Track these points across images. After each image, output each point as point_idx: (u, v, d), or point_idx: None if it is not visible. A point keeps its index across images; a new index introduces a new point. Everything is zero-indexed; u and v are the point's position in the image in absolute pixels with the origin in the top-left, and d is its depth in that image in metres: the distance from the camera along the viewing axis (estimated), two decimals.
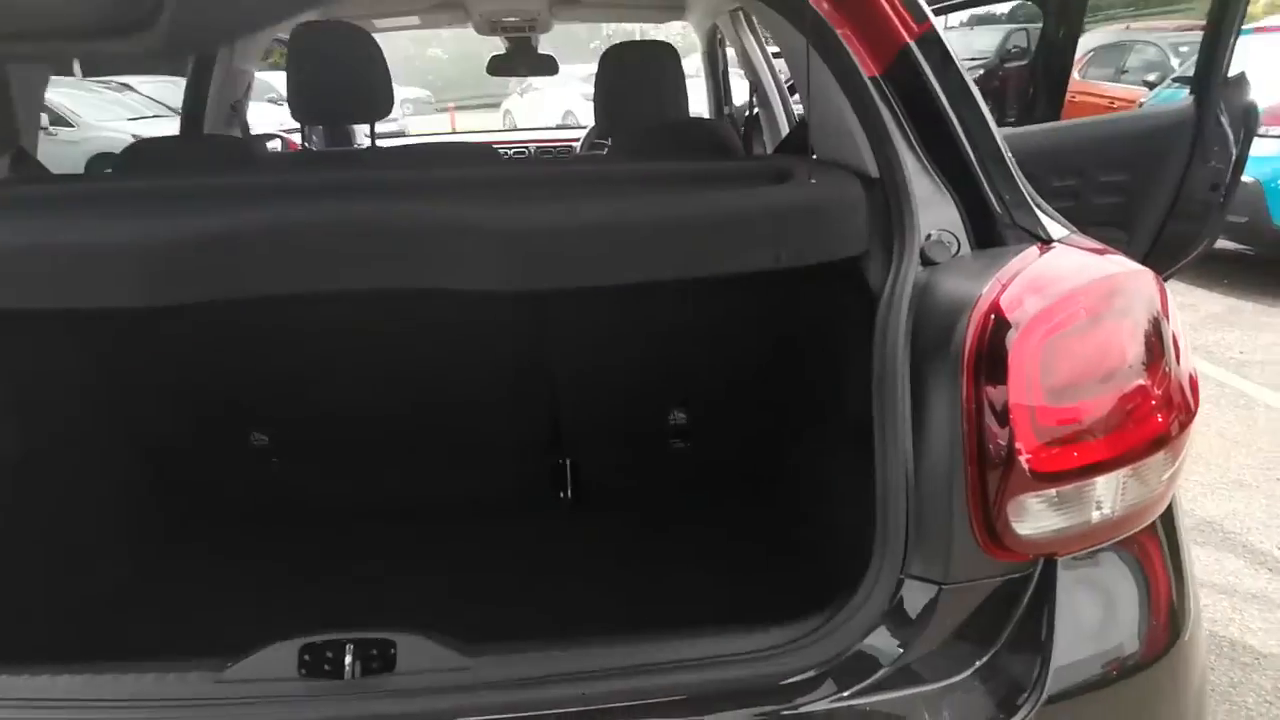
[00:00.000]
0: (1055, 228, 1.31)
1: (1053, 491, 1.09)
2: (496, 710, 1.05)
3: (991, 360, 1.08)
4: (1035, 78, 3.28)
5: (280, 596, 1.86)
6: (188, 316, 1.75)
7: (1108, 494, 1.11)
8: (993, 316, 1.09)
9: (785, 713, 1.04)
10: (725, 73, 4.55)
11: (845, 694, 1.05)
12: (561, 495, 2.24)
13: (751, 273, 1.65)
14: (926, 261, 1.26)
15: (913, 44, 1.36)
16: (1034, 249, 1.22)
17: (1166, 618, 1.21)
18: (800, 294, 1.81)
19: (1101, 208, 2.43)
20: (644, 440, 2.12)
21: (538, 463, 2.16)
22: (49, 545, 1.75)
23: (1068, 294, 1.11)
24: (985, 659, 1.09)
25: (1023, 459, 1.07)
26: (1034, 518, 1.09)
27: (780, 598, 1.69)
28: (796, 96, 3.31)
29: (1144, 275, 1.18)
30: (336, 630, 1.09)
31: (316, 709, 1.05)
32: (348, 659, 1.06)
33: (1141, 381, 1.12)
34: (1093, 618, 1.16)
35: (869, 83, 1.37)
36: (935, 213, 1.31)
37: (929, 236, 1.28)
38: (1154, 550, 1.23)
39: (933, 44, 1.36)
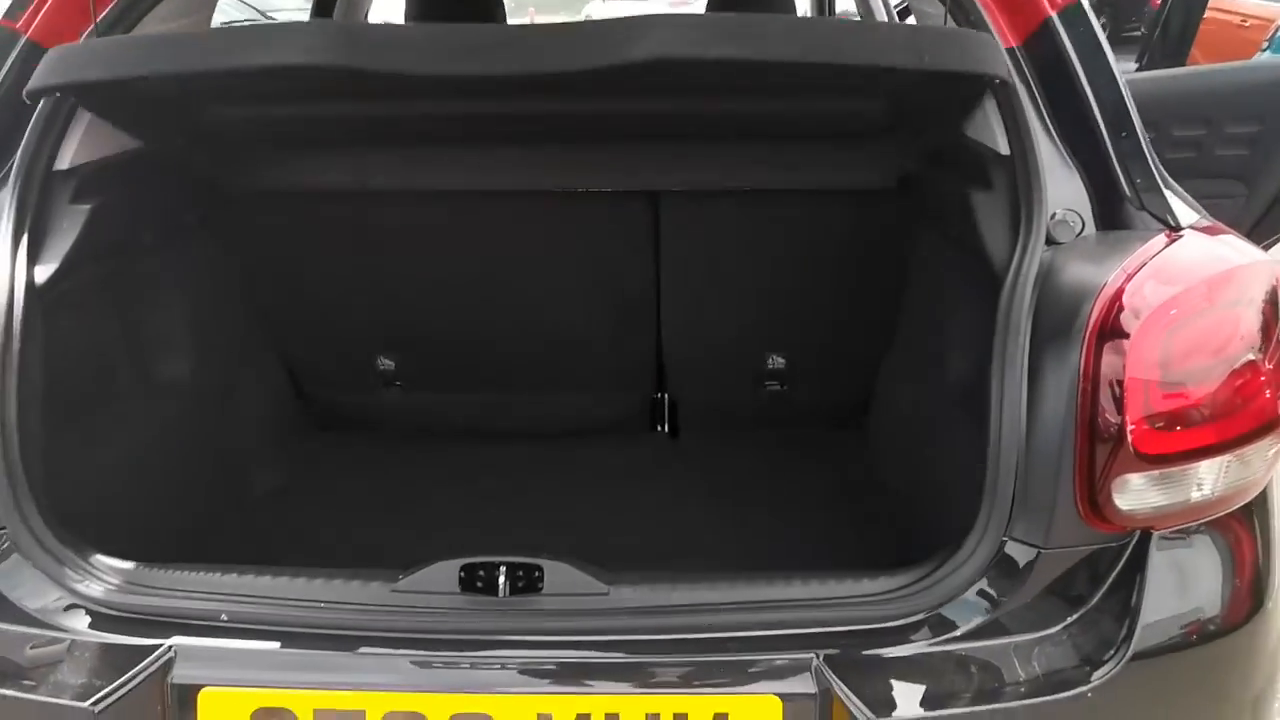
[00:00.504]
0: (1185, 211, 1.32)
1: (1156, 472, 1.16)
2: (629, 632, 1.20)
3: (1112, 346, 1.14)
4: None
5: (409, 511, 2.04)
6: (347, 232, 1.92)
7: (1210, 476, 1.18)
8: (1117, 305, 1.14)
9: (891, 654, 1.17)
10: None
11: (946, 638, 1.17)
12: (659, 429, 2.37)
13: (877, 190, 1.75)
14: (1050, 241, 1.29)
15: (1055, 16, 1.37)
16: (1161, 237, 1.25)
17: (1250, 587, 1.28)
18: (920, 239, 1.86)
19: (1225, 160, 2.37)
20: (740, 381, 2.21)
21: (638, 396, 2.28)
22: (215, 454, 1.95)
23: (1192, 286, 1.15)
24: (1076, 616, 1.19)
25: (1131, 440, 1.14)
26: (1136, 494, 1.17)
27: (870, 544, 1.82)
28: None
29: (1266, 266, 1.21)
30: (491, 552, 1.24)
31: (473, 621, 1.22)
32: (501, 579, 1.22)
33: (1254, 370, 1.17)
34: (1180, 585, 1.24)
35: (1006, 54, 1.38)
36: (1062, 191, 1.34)
37: (1054, 215, 1.31)
38: (1245, 523, 1.29)
39: (1076, 16, 1.36)
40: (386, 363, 2.18)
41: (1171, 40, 2.93)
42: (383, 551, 1.83)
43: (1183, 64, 2.86)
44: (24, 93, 1.35)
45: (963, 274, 1.61)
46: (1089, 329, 1.15)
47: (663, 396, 2.33)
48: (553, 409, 2.29)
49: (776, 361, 2.15)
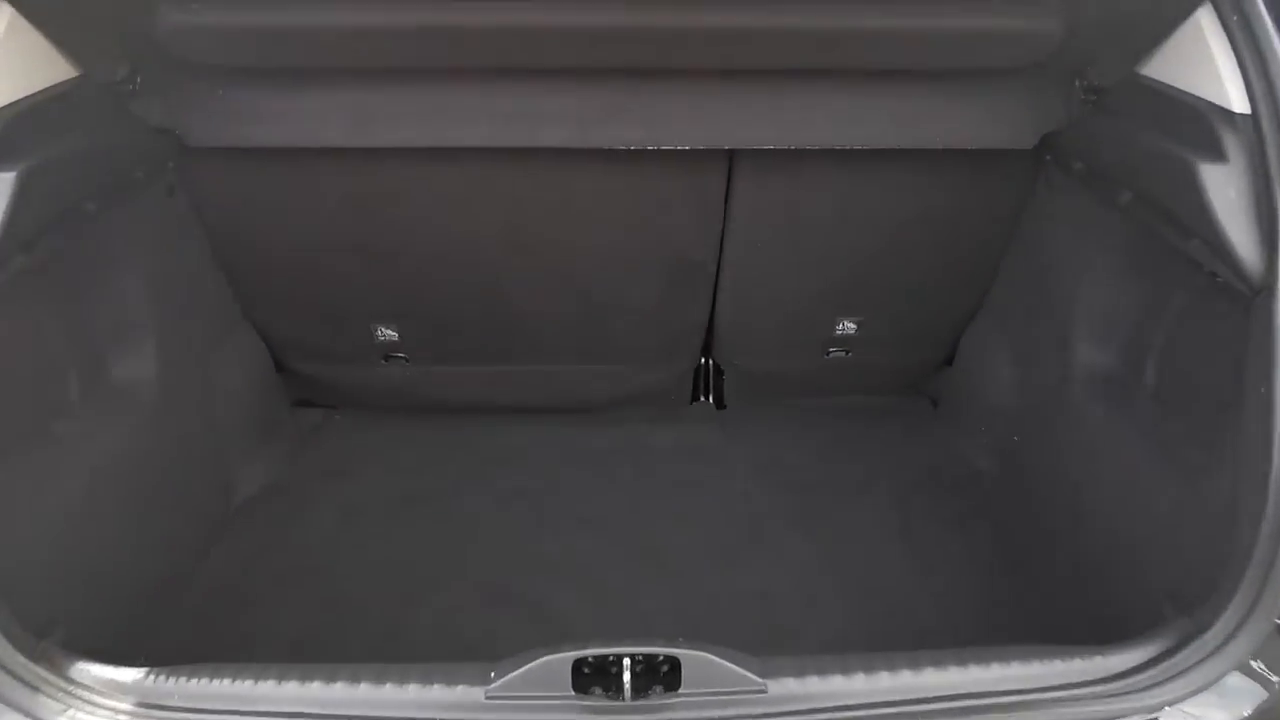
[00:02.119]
0: None
1: None
2: None
3: None
4: None
5: (428, 512, 1.75)
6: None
7: None
8: None
9: None
10: None
11: None
12: (701, 399, 2.10)
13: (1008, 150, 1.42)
14: None
15: None
16: None
17: None
18: (1057, 205, 1.57)
19: None
20: (802, 347, 1.94)
21: (681, 365, 1.99)
22: (192, 464, 1.62)
23: None
24: None
25: None
26: None
27: (984, 556, 1.59)
28: None
29: None
30: (609, 640, 0.96)
31: None
32: (626, 676, 0.93)
33: None
34: None
35: None
36: None
37: None
38: None
39: None
40: (388, 333, 1.83)
41: None
42: (412, 577, 1.57)
43: None
44: None
45: (1142, 256, 1.35)
46: None
47: (708, 363, 2.04)
48: (585, 380, 1.98)
49: (847, 327, 1.87)
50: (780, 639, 1.47)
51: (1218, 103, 1.09)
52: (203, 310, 1.67)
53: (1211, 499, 1.12)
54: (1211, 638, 0.96)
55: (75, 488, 1.29)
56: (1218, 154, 1.08)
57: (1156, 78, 1.23)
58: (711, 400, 2.11)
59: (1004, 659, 0.99)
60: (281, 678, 0.96)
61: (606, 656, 0.95)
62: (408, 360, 1.91)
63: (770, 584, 1.57)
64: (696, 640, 0.97)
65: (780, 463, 1.88)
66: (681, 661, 0.95)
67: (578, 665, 0.94)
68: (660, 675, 0.96)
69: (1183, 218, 1.15)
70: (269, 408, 1.88)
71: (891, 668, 0.98)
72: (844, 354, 1.96)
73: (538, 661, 0.95)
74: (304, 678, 0.96)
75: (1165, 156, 1.16)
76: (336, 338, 1.85)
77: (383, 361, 1.92)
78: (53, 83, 1.19)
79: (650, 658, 0.96)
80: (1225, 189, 1.06)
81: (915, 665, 0.98)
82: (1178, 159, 1.13)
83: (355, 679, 0.96)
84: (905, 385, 2.12)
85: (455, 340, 1.87)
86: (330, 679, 0.96)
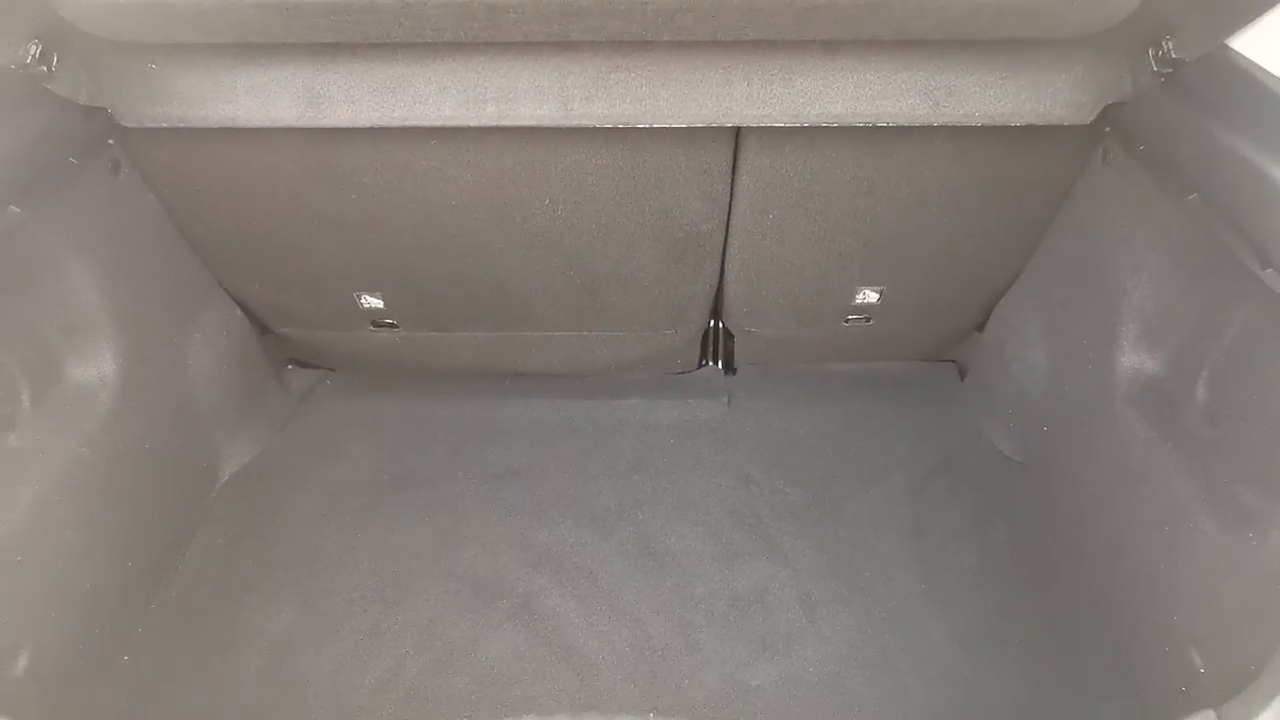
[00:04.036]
0: None
1: None
2: None
3: None
4: None
5: (416, 494, 1.68)
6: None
7: None
8: None
9: None
10: None
11: None
12: (707, 362, 1.98)
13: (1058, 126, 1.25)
14: None
15: None
16: None
17: None
18: (1107, 187, 1.38)
19: None
20: (819, 316, 1.79)
21: (689, 332, 1.86)
22: (167, 460, 1.55)
23: None
24: None
25: None
26: None
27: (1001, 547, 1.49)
28: None
29: None
30: (575, 716, 0.88)
31: None
32: None
33: None
34: None
35: None
36: None
37: None
38: None
39: None
40: (372, 301, 1.72)
41: None
42: (398, 570, 1.51)
43: None
44: None
45: (1204, 261, 1.17)
46: None
47: (717, 325, 1.92)
48: (586, 346, 1.87)
49: (868, 296, 1.71)
50: (776, 650, 1.40)
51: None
52: (170, 287, 1.55)
53: (1261, 555, 1.00)
54: None
55: (30, 500, 1.22)
56: None
57: (1251, 58, 1.03)
58: (720, 364, 2.00)
59: None
60: None
61: None
62: (397, 326, 1.81)
63: (768, 587, 1.49)
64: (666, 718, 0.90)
65: (789, 445, 1.77)
66: None
67: None
68: None
69: (1258, 239, 0.98)
70: (252, 377, 1.79)
71: None
72: (864, 321, 1.81)
73: None
74: None
75: (1245, 161, 0.98)
76: (319, 305, 1.74)
77: (371, 327, 1.81)
78: None
79: None
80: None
81: None
82: (1259, 168, 0.95)
83: None
84: (930, 352, 1.98)
85: (444, 308, 1.75)
86: None
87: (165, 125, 1.28)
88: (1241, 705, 0.89)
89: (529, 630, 1.43)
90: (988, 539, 1.55)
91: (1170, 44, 1.15)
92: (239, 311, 1.74)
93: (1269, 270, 0.98)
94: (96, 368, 1.37)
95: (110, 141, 1.37)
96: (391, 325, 1.80)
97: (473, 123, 1.26)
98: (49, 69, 1.19)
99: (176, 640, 1.42)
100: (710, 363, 2.00)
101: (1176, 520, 1.16)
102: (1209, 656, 1.05)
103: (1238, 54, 1.04)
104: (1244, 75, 1.02)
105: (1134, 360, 1.34)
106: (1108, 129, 1.37)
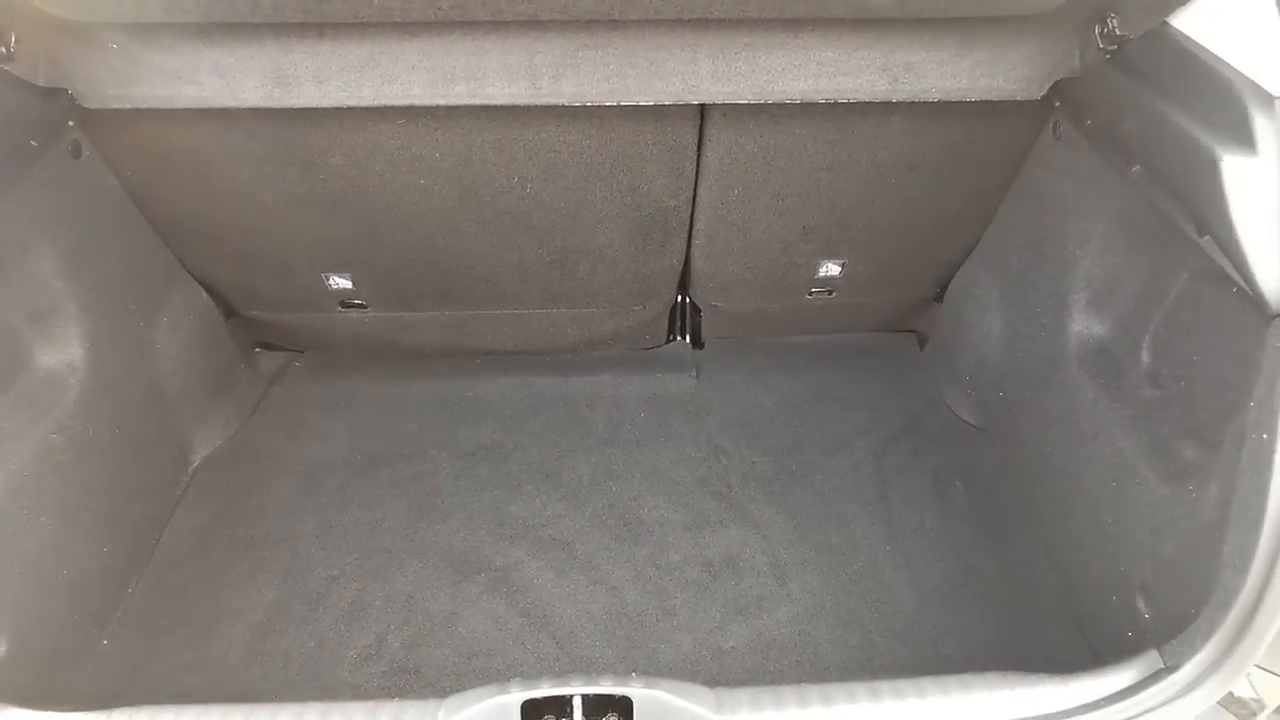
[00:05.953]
0: None
1: None
2: None
3: None
4: None
5: (389, 472, 1.70)
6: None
7: None
8: None
9: None
10: None
11: None
12: (675, 338, 2.02)
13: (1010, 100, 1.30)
14: None
15: None
16: None
17: None
18: (1055, 160, 1.44)
19: None
20: (782, 289, 1.84)
21: (656, 307, 1.90)
22: (139, 447, 1.54)
23: None
24: None
25: None
26: None
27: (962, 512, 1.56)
28: None
29: None
30: (558, 677, 0.92)
31: None
32: (577, 715, 0.90)
33: None
34: None
35: None
36: None
37: None
38: None
39: None
40: (340, 282, 1.72)
41: None
42: (376, 547, 1.54)
43: None
44: None
45: (1148, 231, 1.23)
46: None
47: (684, 300, 1.95)
48: (555, 324, 1.90)
49: (830, 269, 1.76)
50: (748, 613, 1.45)
51: (1256, 80, 0.96)
52: (134, 272, 1.55)
53: (1199, 506, 1.06)
54: (1180, 678, 0.93)
55: (2, 488, 1.22)
56: (1246, 143, 0.95)
57: (1190, 35, 1.09)
58: (688, 339, 2.04)
59: (966, 688, 0.96)
60: (225, 718, 0.93)
61: (558, 698, 0.91)
62: (366, 306, 1.82)
63: (740, 553, 1.54)
64: (648, 677, 0.94)
65: (756, 416, 1.82)
66: (634, 701, 0.91)
67: (531, 706, 0.91)
68: (614, 702, 0.93)
69: (1195, 208, 1.04)
70: (220, 360, 1.79)
71: (851, 698, 0.95)
72: (827, 294, 1.87)
73: (488, 701, 0.91)
74: (248, 717, 0.93)
75: (1182, 134, 1.03)
76: (287, 286, 1.74)
77: (340, 308, 1.82)
78: None
79: (607, 699, 0.92)
80: (1248, 186, 0.95)
81: (875, 695, 0.96)
82: (1195, 140, 1.00)
83: (300, 717, 0.93)
84: (891, 322, 2.04)
85: (413, 287, 1.77)
86: (274, 717, 0.93)
87: (128, 106, 1.27)
88: (1182, 644, 0.96)
89: (508, 601, 1.47)
90: (948, 500, 1.62)
91: (1115, 22, 1.20)
92: (205, 295, 1.74)
93: (1205, 237, 1.04)
94: (64, 353, 1.36)
95: (70, 123, 1.35)
96: (360, 306, 1.81)
97: (441, 101, 1.27)
98: (7, 50, 1.18)
99: (156, 622, 1.43)
100: (678, 337, 2.04)
101: (1123, 476, 1.23)
102: (1152, 601, 1.12)
103: (1178, 31, 1.09)
104: (1183, 51, 1.07)
105: (1083, 325, 1.40)
106: (1058, 104, 1.42)
